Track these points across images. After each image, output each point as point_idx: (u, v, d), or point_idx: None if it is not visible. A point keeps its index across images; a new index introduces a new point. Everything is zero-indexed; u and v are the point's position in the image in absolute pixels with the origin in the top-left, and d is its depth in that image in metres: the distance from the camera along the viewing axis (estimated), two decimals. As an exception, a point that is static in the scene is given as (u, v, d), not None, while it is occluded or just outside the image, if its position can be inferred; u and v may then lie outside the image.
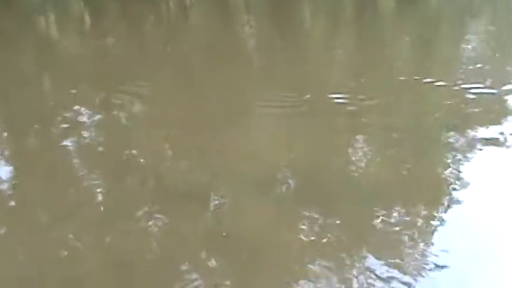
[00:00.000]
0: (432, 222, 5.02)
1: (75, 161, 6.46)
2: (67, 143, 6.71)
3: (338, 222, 5.05)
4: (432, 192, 5.52)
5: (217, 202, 5.42)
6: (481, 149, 6.24)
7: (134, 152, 6.48)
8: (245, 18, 12.97)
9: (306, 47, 10.58)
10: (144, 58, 9.67)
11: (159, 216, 5.19)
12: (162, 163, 6.25)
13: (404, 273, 4.35)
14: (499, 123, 6.81)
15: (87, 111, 7.54)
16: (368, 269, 4.41)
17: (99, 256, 4.78)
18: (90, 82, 8.73)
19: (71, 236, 4.93)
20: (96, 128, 7.17)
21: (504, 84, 8.00)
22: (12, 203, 5.69)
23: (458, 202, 5.30)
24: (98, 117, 7.47)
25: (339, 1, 14.40)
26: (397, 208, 5.18)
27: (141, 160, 6.33)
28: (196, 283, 4.32)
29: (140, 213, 5.22)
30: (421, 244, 4.73)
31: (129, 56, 9.90)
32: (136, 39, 10.90)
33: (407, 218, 5.06)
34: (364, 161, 6.18)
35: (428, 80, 8.19)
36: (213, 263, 4.59)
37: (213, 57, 9.68)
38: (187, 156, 6.33)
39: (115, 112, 7.58)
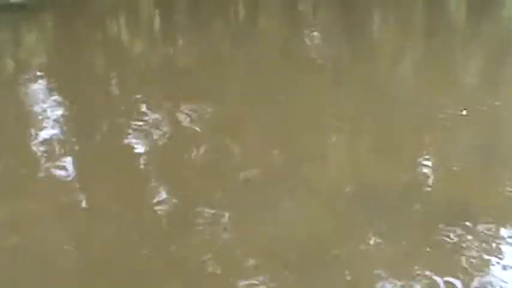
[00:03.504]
0: (501, 244, 4.93)
1: (138, 162, 6.50)
2: (131, 144, 6.81)
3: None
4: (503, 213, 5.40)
5: (280, 210, 5.41)
6: None
7: (200, 156, 6.52)
8: (313, 23, 12.88)
9: (376, 55, 10.44)
10: (213, 62, 9.67)
11: (224, 222, 5.22)
12: (228, 168, 6.25)
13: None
14: None
15: (154, 113, 7.60)
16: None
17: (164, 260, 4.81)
18: (158, 84, 8.80)
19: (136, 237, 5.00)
20: (162, 131, 7.19)
21: None
22: (75, 202, 5.73)
23: None
24: (164, 119, 7.53)
25: (409, 9, 14.17)
26: (464, 227, 5.11)
27: (207, 165, 6.34)
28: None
29: (201, 217, 5.27)
30: (486, 268, 4.65)
31: (198, 60, 9.94)
32: (205, 42, 10.93)
33: (476, 239, 4.97)
34: (430, 180, 6.09)
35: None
36: (273, 270, 4.61)
37: (282, 62, 9.64)
38: (255, 162, 6.31)
39: (182, 115, 7.60)
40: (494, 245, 4.92)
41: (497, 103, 7.96)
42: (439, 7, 14.51)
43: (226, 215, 5.31)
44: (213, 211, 5.34)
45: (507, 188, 5.89)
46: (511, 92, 8.66)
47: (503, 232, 5.09)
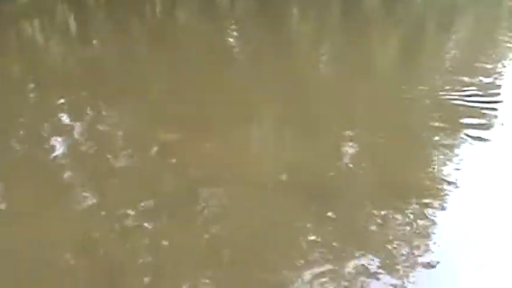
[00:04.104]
0: (425, 220, 5.16)
1: (61, 169, 6.32)
2: (52, 150, 6.59)
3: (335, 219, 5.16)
4: (425, 191, 5.64)
5: (215, 204, 5.41)
6: (468, 149, 6.56)
7: (124, 159, 6.42)
8: (232, 19, 12.89)
9: (294, 48, 10.55)
10: (133, 62, 9.55)
11: (154, 221, 5.16)
12: (156, 168, 6.19)
13: (397, 270, 4.55)
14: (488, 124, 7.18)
15: (74, 118, 7.42)
16: (362, 266, 4.57)
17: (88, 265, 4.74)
18: (78, 88, 8.60)
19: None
20: (83, 136, 7.04)
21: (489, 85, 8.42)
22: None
23: (448, 200, 5.51)
24: (85, 124, 7.34)
25: (326, 4, 14.38)
26: (391, 207, 5.32)
27: (133, 166, 6.26)
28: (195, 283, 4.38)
29: (130, 219, 5.19)
30: (415, 241, 4.88)
31: (117, 60, 9.79)
32: (124, 41, 10.78)
33: (401, 216, 5.19)
34: (357, 163, 6.28)
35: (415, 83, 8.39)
36: (210, 264, 4.62)
37: (202, 57, 9.60)
38: (184, 160, 6.27)
39: (104, 116, 7.48)
40: (424, 224, 5.12)
41: (419, 87, 8.26)
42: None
43: (156, 214, 5.26)
44: (140, 212, 5.27)
45: (433, 168, 6.13)
46: (429, 76, 8.92)
47: (433, 211, 5.29)
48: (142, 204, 5.38)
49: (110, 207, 5.41)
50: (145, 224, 5.12)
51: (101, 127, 7.23)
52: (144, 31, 12.13)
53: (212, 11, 13.19)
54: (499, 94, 8.20)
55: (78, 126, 7.19)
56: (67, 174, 6.19)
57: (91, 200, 5.55)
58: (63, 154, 6.53)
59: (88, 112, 7.68)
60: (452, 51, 10.69)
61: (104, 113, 7.65)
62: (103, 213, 5.34)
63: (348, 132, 6.87)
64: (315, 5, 13.93)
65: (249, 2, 14.24)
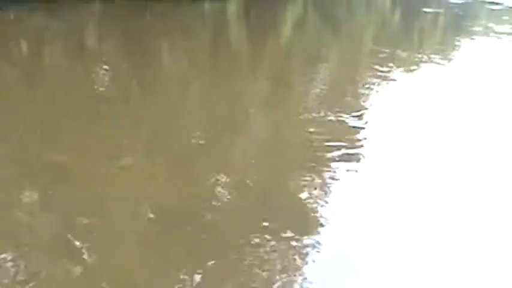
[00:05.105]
0: (299, 253, 5.34)
1: None
2: None
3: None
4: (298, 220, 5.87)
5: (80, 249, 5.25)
6: (339, 181, 6.82)
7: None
8: (100, 57, 12.65)
9: (163, 85, 10.52)
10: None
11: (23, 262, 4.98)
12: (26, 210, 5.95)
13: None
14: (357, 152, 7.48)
15: None
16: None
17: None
18: None
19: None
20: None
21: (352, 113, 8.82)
22: None
23: (321, 228, 5.75)
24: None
25: (195, 37, 14.49)
26: (265, 240, 5.44)
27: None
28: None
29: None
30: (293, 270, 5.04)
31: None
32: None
33: (276, 250, 5.32)
34: (229, 196, 6.35)
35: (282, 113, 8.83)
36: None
37: (69, 97, 9.34)
38: (50, 199, 6.10)
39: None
40: (298, 255, 5.28)
41: (275, 119, 8.64)
42: (224, 34, 15.05)
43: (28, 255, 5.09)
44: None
45: (306, 201, 6.30)
46: (291, 109, 9.27)
47: (307, 241, 5.47)
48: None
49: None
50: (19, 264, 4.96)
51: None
52: (10, 72, 11.67)
53: (80, 52, 12.91)
54: (367, 122, 8.51)
55: None
56: None
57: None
58: None
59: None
60: (321, 84, 11.02)
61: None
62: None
63: (218, 167, 6.93)
64: (184, 43, 14.02)
65: (118, 41, 14.09)
